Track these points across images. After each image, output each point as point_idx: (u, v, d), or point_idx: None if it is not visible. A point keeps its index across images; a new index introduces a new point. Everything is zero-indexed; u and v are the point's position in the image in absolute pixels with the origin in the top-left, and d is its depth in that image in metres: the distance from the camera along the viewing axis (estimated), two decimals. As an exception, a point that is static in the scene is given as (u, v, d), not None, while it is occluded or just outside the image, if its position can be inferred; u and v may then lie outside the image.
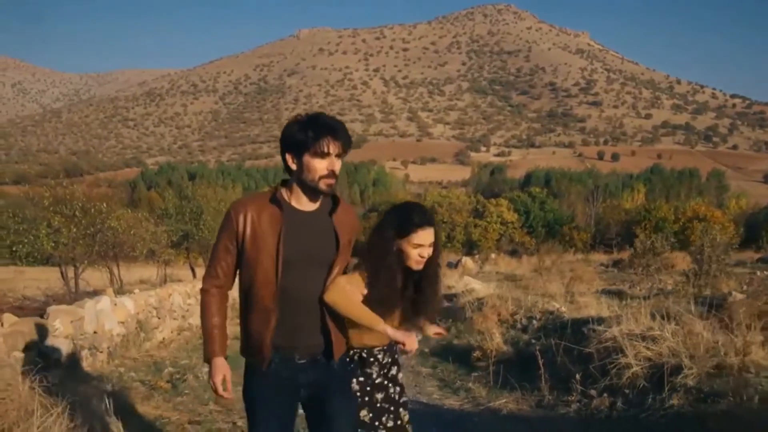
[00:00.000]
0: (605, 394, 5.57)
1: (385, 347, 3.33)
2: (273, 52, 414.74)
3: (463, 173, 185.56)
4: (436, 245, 3.26)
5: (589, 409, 5.53)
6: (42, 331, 5.89)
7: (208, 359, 2.93)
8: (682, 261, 25.70)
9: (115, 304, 8.09)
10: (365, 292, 3.12)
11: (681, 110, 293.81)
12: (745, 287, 15.60)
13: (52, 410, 4.45)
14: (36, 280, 15.32)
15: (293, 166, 2.89)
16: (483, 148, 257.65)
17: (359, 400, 3.24)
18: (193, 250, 23.00)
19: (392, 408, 3.33)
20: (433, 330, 3.48)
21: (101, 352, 7.04)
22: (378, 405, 3.29)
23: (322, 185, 2.86)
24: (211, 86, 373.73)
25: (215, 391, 2.88)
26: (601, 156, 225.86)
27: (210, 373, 2.90)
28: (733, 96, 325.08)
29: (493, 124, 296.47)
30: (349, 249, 3.09)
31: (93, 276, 15.43)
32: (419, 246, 3.18)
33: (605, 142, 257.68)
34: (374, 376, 3.30)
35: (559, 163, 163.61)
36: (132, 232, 15.63)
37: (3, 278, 17.31)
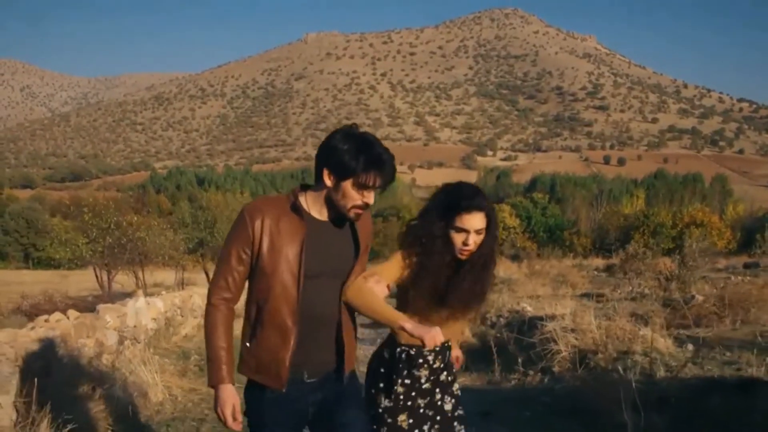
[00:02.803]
0: (539, 373, 7.14)
1: (437, 348, 2.97)
2: (281, 57, 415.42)
3: (470, 177, 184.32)
4: (490, 234, 2.98)
5: (523, 383, 7.12)
6: (97, 324, 7.42)
7: (213, 385, 2.72)
8: (669, 266, 26.89)
9: (148, 304, 9.66)
10: (404, 273, 2.97)
11: (688, 114, 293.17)
12: (714, 291, 16.99)
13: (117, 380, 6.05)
14: (62, 284, 17.01)
15: (328, 183, 2.70)
16: (490, 153, 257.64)
17: (401, 403, 2.99)
18: (207, 256, 24.64)
19: (438, 417, 3.05)
20: (454, 353, 3.26)
21: (139, 342, 8.56)
22: (420, 411, 3.01)
23: (352, 214, 2.74)
24: (219, 90, 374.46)
25: (224, 422, 2.71)
26: (607, 160, 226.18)
27: (217, 402, 2.70)
28: (740, 100, 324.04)
29: (500, 128, 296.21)
30: (365, 256, 2.93)
31: (119, 279, 17.09)
32: (462, 231, 2.91)
33: (612, 147, 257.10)
34: (423, 380, 3.03)
35: (566, 168, 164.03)
36: (157, 241, 17.33)
37: (50, 281, 18.97)
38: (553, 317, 8.45)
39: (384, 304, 2.79)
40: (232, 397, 2.68)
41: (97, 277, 15.86)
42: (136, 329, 8.62)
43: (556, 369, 7.01)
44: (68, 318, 7.16)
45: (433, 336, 2.68)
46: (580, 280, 24.37)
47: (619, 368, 5.87)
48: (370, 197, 2.71)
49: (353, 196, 2.68)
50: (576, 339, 7.17)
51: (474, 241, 2.91)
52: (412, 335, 2.71)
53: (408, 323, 2.72)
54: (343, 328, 2.81)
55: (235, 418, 2.67)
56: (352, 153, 2.62)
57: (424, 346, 2.72)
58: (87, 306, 9.40)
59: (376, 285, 2.84)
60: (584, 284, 23.28)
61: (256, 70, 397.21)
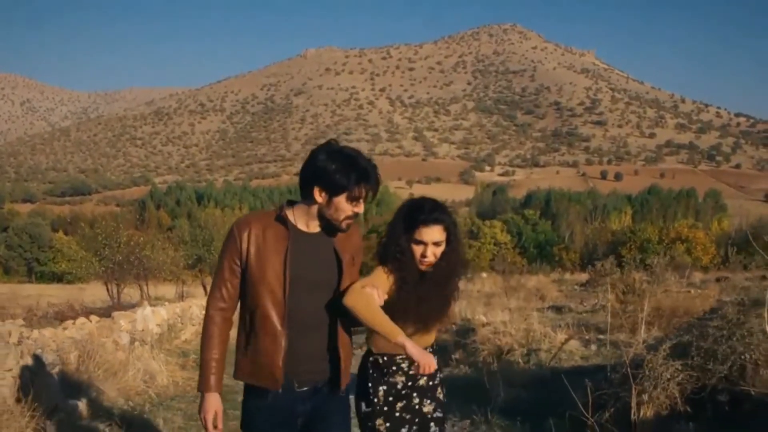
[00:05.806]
0: (467, 366, 8.89)
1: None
2: (280, 72, 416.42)
3: (468, 193, 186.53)
4: (452, 248, 3.09)
5: (452, 373, 8.86)
6: (113, 326, 9.16)
7: (201, 391, 2.88)
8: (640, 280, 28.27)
9: (153, 312, 11.44)
10: (389, 287, 3.03)
11: (685, 129, 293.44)
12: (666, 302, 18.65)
13: (131, 368, 7.83)
14: (79, 295, 18.88)
15: (319, 199, 2.84)
16: (488, 168, 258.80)
17: (377, 408, 3.08)
18: (205, 271, 26.53)
19: (416, 420, 3.13)
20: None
21: (147, 343, 10.28)
22: (397, 415, 3.10)
23: (344, 225, 2.87)
24: (219, 105, 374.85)
25: (205, 426, 2.84)
26: (604, 175, 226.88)
27: (201, 407, 2.86)
28: (737, 115, 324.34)
29: (498, 143, 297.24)
30: (353, 267, 3.01)
31: (125, 291, 19.06)
32: (420, 243, 3.03)
33: (609, 162, 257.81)
34: (399, 386, 3.11)
35: (563, 183, 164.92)
36: (160, 258, 19.38)
37: (57, 295, 20.83)
38: (488, 324, 10.21)
39: (384, 315, 2.84)
40: (215, 404, 2.84)
41: (108, 289, 17.90)
42: (143, 332, 10.36)
43: (480, 363, 8.76)
44: (91, 321, 8.92)
45: (429, 362, 2.80)
46: (556, 294, 25.79)
47: (520, 360, 7.62)
48: (360, 207, 2.88)
49: (346, 209, 2.84)
50: (499, 340, 8.93)
51: (432, 252, 3.03)
52: (411, 356, 2.80)
53: (407, 342, 2.79)
54: (338, 340, 2.92)
55: (215, 426, 2.83)
56: (342, 171, 2.80)
57: (419, 369, 2.80)
58: (102, 314, 11.12)
59: (373, 293, 2.88)
60: (559, 298, 24.60)
61: (255, 86, 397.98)
